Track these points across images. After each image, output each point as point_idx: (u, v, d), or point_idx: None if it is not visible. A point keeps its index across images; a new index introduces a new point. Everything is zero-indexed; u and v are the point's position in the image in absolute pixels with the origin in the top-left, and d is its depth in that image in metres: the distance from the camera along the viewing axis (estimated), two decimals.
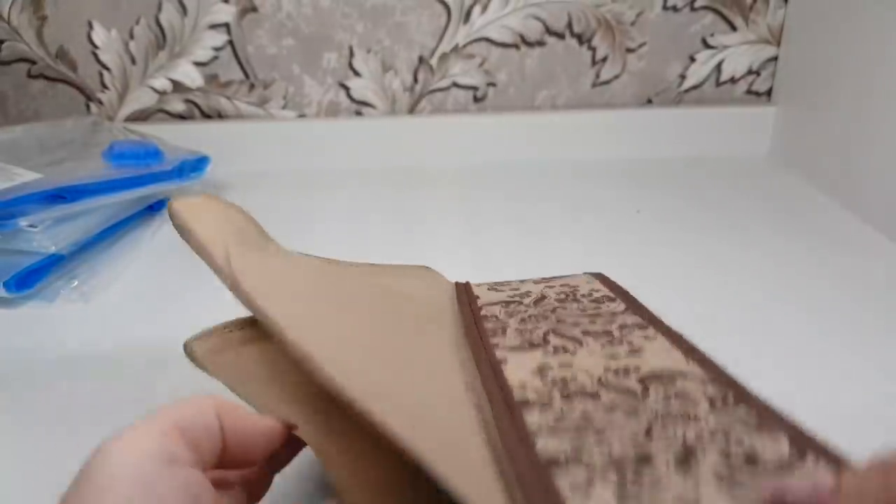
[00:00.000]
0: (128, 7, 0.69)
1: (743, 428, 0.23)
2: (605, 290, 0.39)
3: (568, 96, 0.74)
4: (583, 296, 0.38)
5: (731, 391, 0.26)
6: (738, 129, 0.73)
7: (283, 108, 0.74)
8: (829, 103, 0.63)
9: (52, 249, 0.49)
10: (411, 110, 0.74)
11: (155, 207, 0.61)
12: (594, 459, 0.22)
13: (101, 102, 0.73)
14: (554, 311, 0.36)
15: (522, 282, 0.43)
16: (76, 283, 0.49)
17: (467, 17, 0.70)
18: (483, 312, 0.36)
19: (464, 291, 0.41)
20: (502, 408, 0.25)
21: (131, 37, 0.70)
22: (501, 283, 0.42)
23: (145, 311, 0.47)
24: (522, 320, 0.35)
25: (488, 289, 0.41)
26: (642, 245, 0.54)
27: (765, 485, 0.20)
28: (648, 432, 0.24)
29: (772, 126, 0.73)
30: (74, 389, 0.39)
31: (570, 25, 0.70)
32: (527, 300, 0.38)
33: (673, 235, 0.56)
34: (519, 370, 0.29)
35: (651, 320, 0.34)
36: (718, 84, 0.74)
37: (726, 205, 0.61)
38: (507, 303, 0.38)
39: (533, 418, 0.25)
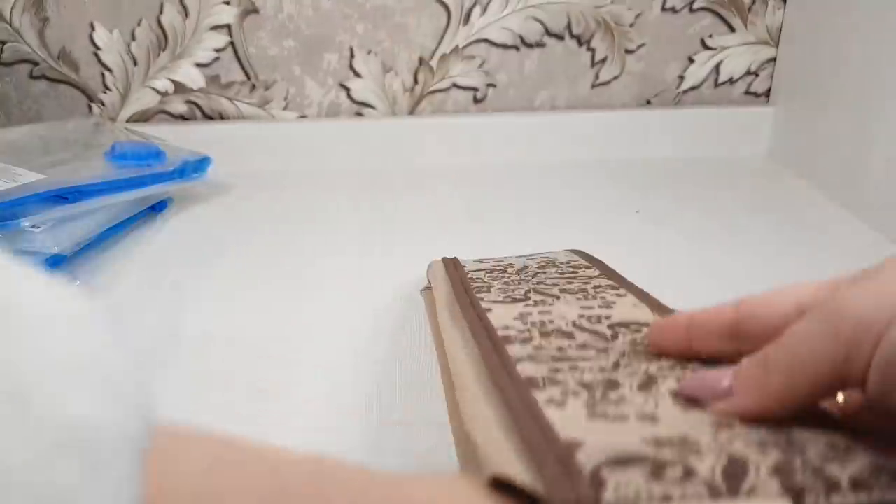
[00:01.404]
0: (129, 8, 0.69)
1: (698, 364, 0.26)
2: (582, 261, 0.43)
3: (567, 97, 0.74)
4: (561, 262, 0.42)
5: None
6: (737, 130, 0.73)
7: (284, 108, 0.74)
8: (828, 104, 0.63)
9: (55, 250, 0.49)
10: (411, 111, 0.74)
11: (157, 208, 0.61)
12: (568, 381, 0.25)
13: (102, 103, 0.73)
14: (535, 275, 0.40)
15: (505, 257, 0.47)
16: (78, 283, 0.50)
17: (467, 18, 0.70)
18: (470, 276, 0.41)
19: (451, 263, 0.45)
20: (487, 344, 0.29)
21: (133, 38, 0.70)
22: (485, 259, 0.46)
23: (146, 311, 0.47)
24: (506, 283, 0.39)
25: (475, 261, 0.45)
26: (641, 245, 0.55)
27: (681, 385, 0.23)
28: (616, 365, 0.26)
29: (770, 127, 0.73)
30: None
31: (569, 27, 0.71)
32: (510, 270, 0.42)
33: (672, 236, 0.56)
34: (502, 317, 0.32)
35: (623, 283, 0.37)
36: (717, 85, 0.74)
37: (725, 205, 0.62)
38: (492, 270, 0.42)
39: (514, 350, 0.28)
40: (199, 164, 0.63)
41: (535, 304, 0.33)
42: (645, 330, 0.29)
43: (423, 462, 0.34)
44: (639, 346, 0.28)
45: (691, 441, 0.20)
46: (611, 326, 0.30)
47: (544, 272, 0.40)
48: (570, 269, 0.40)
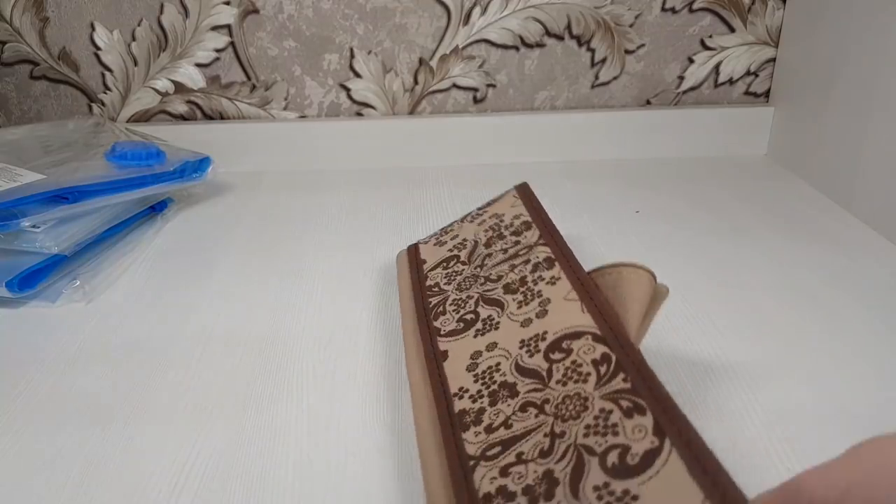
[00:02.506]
0: (129, 8, 0.69)
1: (618, 415, 0.28)
2: (525, 215, 0.45)
3: (567, 97, 0.74)
4: (506, 227, 0.45)
5: (613, 355, 0.31)
6: (737, 130, 0.73)
7: (284, 109, 0.74)
8: (827, 104, 0.63)
9: (55, 250, 0.49)
10: (411, 111, 0.74)
11: (157, 208, 0.61)
12: (516, 491, 0.27)
13: (103, 103, 0.73)
14: (483, 262, 0.43)
15: (462, 222, 0.49)
16: (78, 283, 0.50)
17: (467, 18, 0.70)
18: (428, 282, 0.44)
19: (414, 257, 0.47)
20: (448, 431, 0.32)
21: (133, 38, 0.70)
22: (446, 231, 0.49)
23: (146, 311, 0.48)
24: (459, 285, 0.42)
25: (434, 244, 0.48)
26: (641, 245, 0.55)
27: None
28: (552, 443, 0.29)
29: (770, 127, 0.73)
30: (76, 389, 0.40)
31: (569, 27, 0.71)
32: (463, 253, 0.45)
33: (671, 236, 0.56)
34: (457, 372, 0.35)
35: (557, 252, 0.40)
36: (717, 85, 0.74)
37: (725, 205, 0.62)
38: (448, 260, 0.45)
39: (469, 439, 0.31)
40: (199, 165, 0.63)
41: (484, 329, 0.37)
42: (575, 347, 0.32)
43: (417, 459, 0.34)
44: (569, 386, 0.30)
45: None
46: (546, 354, 0.33)
47: (490, 252, 0.43)
48: (514, 240, 0.43)
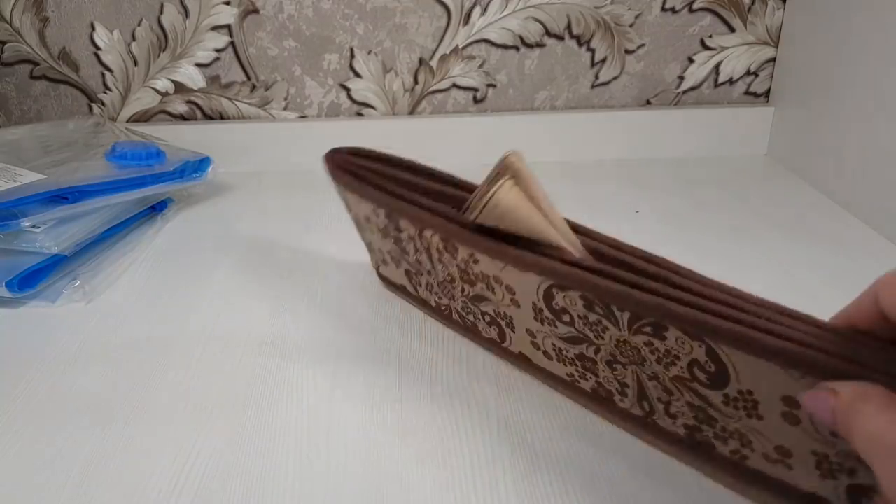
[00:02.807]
0: (130, 9, 0.69)
1: (657, 342, 0.28)
2: (376, 205, 0.41)
3: (567, 97, 0.74)
4: (386, 225, 0.41)
5: (589, 294, 0.29)
6: (737, 130, 0.73)
7: (285, 109, 0.74)
8: (827, 104, 0.63)
9: (55, 250, 0.49)
10: (411, 111, 0.74)
11: (157, 208, 0.61)
12: (692, 424, 0.29)
13: (103, 103, 0.73)
14: (424, 268, 0.40)
15: (360, 228, 0.46)
16: (78, 283, 0.50)
17: (467, 18, 0.70)
18: (431, 304, 0.43)
19: (394, 284, 0.46)
20: (605, 407, 0.34)
21: (133, 38, 0.70)
22: (370, 244, 0.47)
23: (146, 311, 0.48)
24: (448, 296, 0.40)
25: (382, 262, 0.46)
26: (641, 245, 0.55)
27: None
28: (662, 384, 0.29)
29: (770, 127, 0.73)
30: (76, 389, 0.40)
31: (569, 27, 0.71)
32: (404, 262, 0.42)
33: (671, 236, 0.56)
34: (543, 361, 0.35)
35: (437, 223, 0.36)
36: (717, 85, 0.74)
37: (724, 205, 0.62)
38: (410, 278, 0.43)
39: (624, 405, 0.33)
40: (199, 165, 0.63)
41: (510, 324, 0.36)
42: (559, 301, 0.31)
43: (418, 456, 0.34)
44: (605, 336, 0.30)
45: None
46: (560, 319, 0.32)
47: (416, 258, 0.40)
48: (407, 237, 0.39)
